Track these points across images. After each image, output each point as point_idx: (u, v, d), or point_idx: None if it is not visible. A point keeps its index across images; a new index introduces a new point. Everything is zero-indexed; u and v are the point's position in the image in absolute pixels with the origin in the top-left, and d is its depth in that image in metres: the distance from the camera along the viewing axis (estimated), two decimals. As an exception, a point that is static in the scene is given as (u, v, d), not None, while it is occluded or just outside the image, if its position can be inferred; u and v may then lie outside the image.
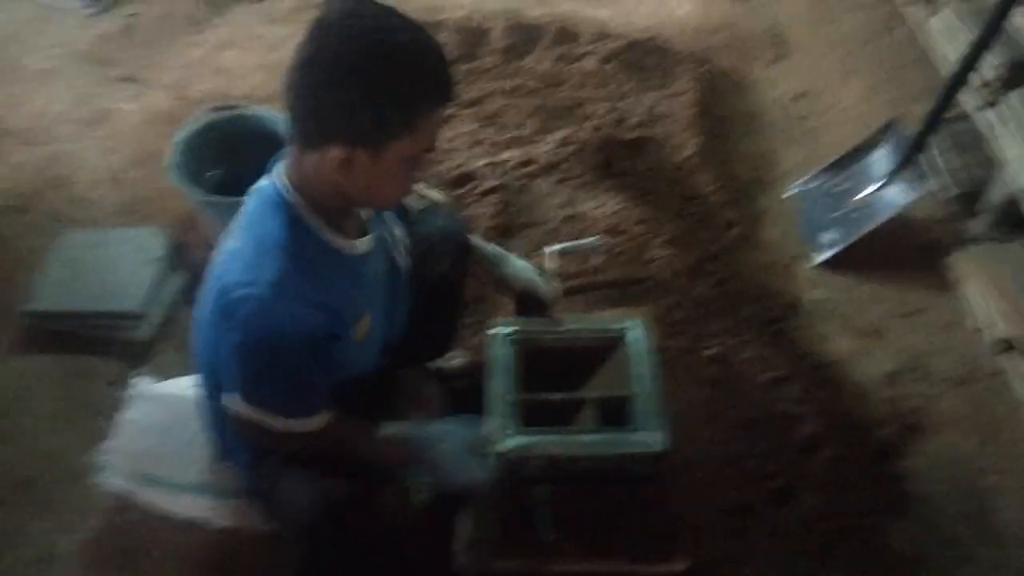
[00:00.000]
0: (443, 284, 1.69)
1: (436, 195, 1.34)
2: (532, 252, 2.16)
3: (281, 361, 1.21)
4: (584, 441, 1.46)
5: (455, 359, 1.92)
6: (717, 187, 2.43)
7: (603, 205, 2.27)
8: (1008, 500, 1.78)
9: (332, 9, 1.11)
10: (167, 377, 1.78)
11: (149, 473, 1.62)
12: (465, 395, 1.75)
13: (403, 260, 1.48)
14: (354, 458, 1.38)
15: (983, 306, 2.06)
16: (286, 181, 1.22)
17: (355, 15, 1.10)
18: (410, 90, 1.11)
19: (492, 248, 1.69)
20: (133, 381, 1.71)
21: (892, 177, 2.29)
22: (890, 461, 1.85)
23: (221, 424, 1.42)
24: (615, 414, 1.52)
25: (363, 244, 1.32)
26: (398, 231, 1.48)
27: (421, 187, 1.31)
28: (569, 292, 2.04)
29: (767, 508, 1.72)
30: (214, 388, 1.37)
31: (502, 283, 1.67)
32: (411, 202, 1.68)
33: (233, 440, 1.42)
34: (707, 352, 1.95)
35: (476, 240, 1.68)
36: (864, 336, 2.12)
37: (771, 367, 1.94)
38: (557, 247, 2.03)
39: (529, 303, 1.68)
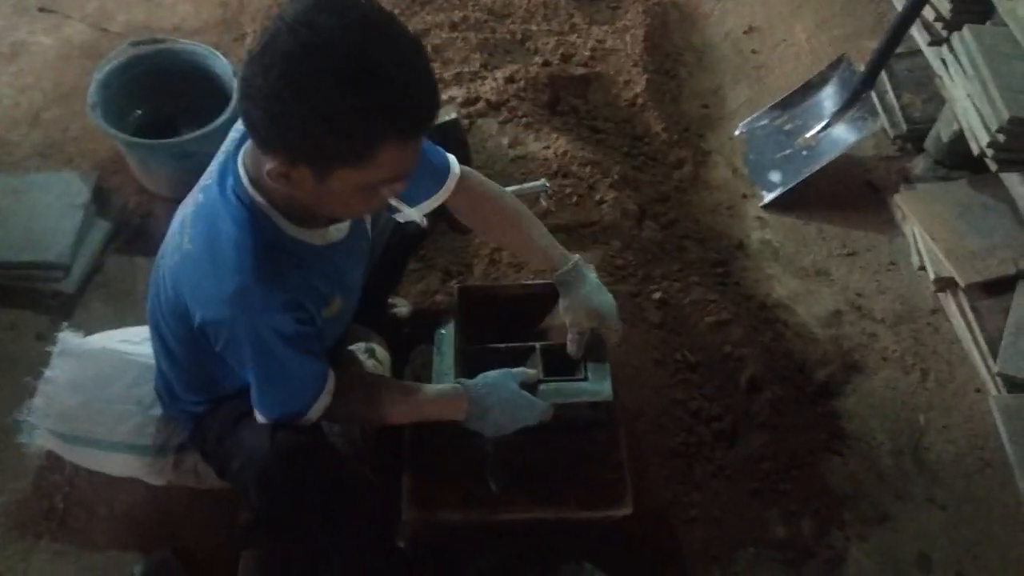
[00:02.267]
0: (409, 241, 1.67)
1: (414, 215, 1.21)
2: (477, 194, 2.10)
3: (274, 366, 1.16)
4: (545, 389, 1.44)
5: (402, 308, 1.88)
6: (666, 125, 2.39)
7: (551, 145, 2.21)
8: (941, 436, 1.83)
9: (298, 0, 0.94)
10: (96, 330, 1.70)
11: (79, 431, 1.55)
12: (412, 342, 1.73)
13: (370, 229, 1.41)
14: (401, 418, 1.36)
15: (926, 245, 2.08)
16: (244, 172, 1.12)
17: (322, 11, 0.92)
18: (361, 120, 0.94)
19: (559, 258, 1.46)
20: (60, 335, 1.63)
21: (840, 115, 2.27)
22: (831, 400, 1.88)
23: (176, 379, 1.36)
24: (560, 362, 1.50)
25: (335, 232, 1.22)
26: None
27: (395, 202, 1.17)
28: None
29: (712, 449, 1.74)
30: (174, 351, 1.31)
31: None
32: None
33: (189, 393, 1.36)
34: (654, 296, 1.93)
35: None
36: (808, 276, 2.13)
37: (716, 310, 1.93)
38: (504, 190, 1.99)
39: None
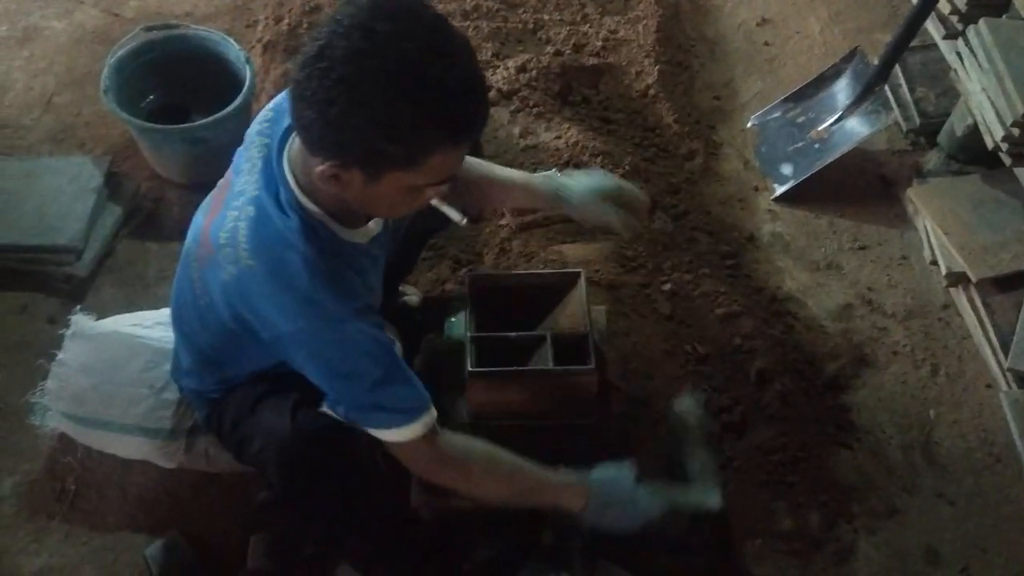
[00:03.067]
0: (426, 232, 1.68)
1: (454, 214, 1.20)
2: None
3: (370, 367, 1.12)
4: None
5: (412, 296, 1.88)
6: (678, 117, 2.38)
7: (562, 135, 2.21)
8: (950, 431, 1.83)
9: (352, 3, 0.95)
10: (107, 314, 1.71)
11: (91, 414, 1.56)
12: (422, 331, 1.74)
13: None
14: (510, 495, 1.28)
15: (938, 239, 2.07)
16: (292, 178, 1.11)
17: (377, 17, 0.93)
18: (417, 127, 0.95)
19: (540, 180, 1.45)
20: (72, 319, 1.64)
21: (853, 108, 2.26)
22: (840, 393, 1.88)
23: (196, 366, 1.37)
24: (571, 350, 1.50)
25: (374, 226, 1.22)
26: None
27: (436, 202, 1.16)
28: (527, 227, 2.01)
29: (721, 441, 1.74)
30: (203, 345, 1.31)
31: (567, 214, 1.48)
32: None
33: (205, 380, 1.37)
34: (664, 287, 1.93)
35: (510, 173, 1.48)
36: (819, 270, 2.12)
37: (726, 302, 1.93)
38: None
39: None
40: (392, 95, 0.93)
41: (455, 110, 0.96)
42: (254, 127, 1.22)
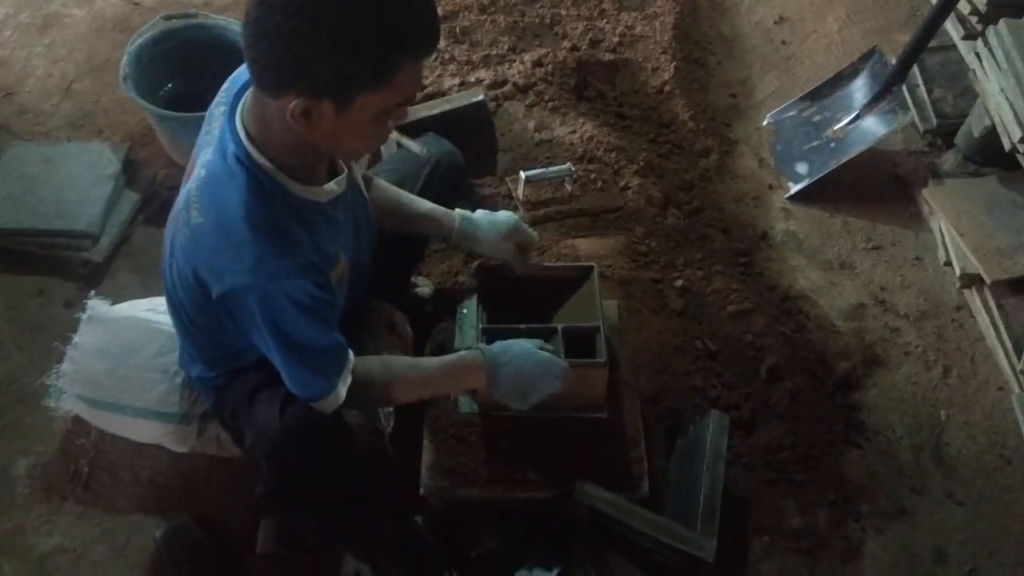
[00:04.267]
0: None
1: (413, 145, 1.23)
2: (504, 177, 2.11)
3: (295, 337, 1.15)
4: (645, 517, 1.44)
5: (424, 288, 1.89)
6: (693, 114, 2.37)
7: (577, 130, 2.21)
8: (961, 433, 1.82)
9: None
10: (122, 299, 1.73)
11: (105, 397, 1.58)
12: (434, 321, 1.75)
13: (363, 188, 1.43)
14: (414, 391, 1.35)
15: (952, 240, 2.06)
16: (244, 133, 1.12)
17: None
18: (384, 41, 0.99)
19: (449, 215, 1.55)
20: (88, 303, 1.65)
21: (870, 108, 2.25)
22: (851, 393, 1.87)
23: (196, 352, 1.38)
24: (582, 344, 1.50)
25: (335, 186, 1.24)
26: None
27: (396, 135, 1.19)
28: (541, 220, 2.01)
29: (730, 438, 1.72)
30: (191, 326, 1.32)
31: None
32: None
33: (208, 367, 1.38)
34: (676, 283, 1.93)
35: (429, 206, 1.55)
36: (832, 269, 2.12)
37: (738, 299, 1.93)
38: (529, 173, 1.99)
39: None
40: (357, 14, 0.96)
41: (416, 20, 1.01)
42: (212, 105, 1.23)
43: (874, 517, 1.68)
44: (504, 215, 1.56)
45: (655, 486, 1.55)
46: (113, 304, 1.69)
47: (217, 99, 1.23)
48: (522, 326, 1.54)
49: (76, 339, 1.62)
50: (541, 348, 1.39)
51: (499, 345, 1.37)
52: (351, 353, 1.24)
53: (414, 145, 1.25)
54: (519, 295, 1.63)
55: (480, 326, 1.52)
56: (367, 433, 1.52)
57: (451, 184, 1.70)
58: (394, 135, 1.18)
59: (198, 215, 1.13)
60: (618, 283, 1.86)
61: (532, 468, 1.50)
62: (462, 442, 1.51)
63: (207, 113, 1.25)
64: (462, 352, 1.38)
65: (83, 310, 1.65)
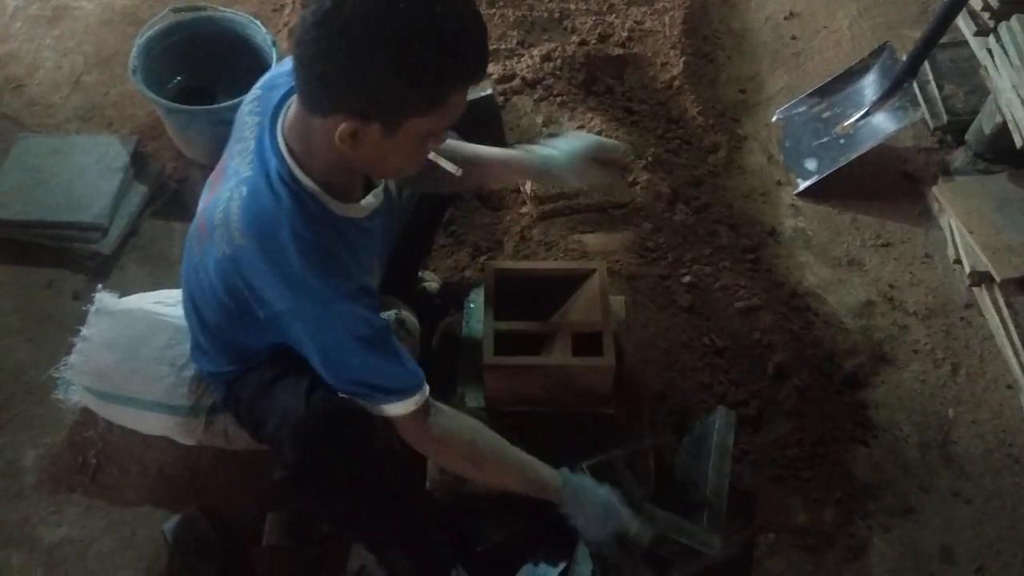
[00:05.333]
0: (435, 209, 1.69)
1: (449, 165, 1.22)
2: (510, 172, 2.10)
3: (360, 349, 1.14)
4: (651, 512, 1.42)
5: (431, 282, 1.89)
6: (702, 109, 2.36)
7: (585, 125, 2.20)
8: (969, 431, 1.81)
9: None
10: (131, 291, 1.73)
11: (113, 389, 1.59)
12: (441, 315, 1.75)
13: (395, 197, 1.43)
14: (499, 478, 1.32)
15: (962, 238, 2.05)
16: (287, 150, 1.12)
17: None
18: (440, 67, 0.98)
19: (522, 154, 1.46)
20: (97, 295, 1.66)
21: (880, 104, 2.23)
22: (858, 390, 1.87)
23: (210, 349, 1.38)
24: (589, 342, 1.50)
25: (372, 200, 1.24)
26: None
27: (432, 155, 1.19)
28: (549, 215, 2.01)
29: (737, 434, 1.72)
30: (210, 326, 1.32)
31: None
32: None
33: (221, 363, 1.38)
34: (684, 279, 1.93)
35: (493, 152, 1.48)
36: (841, 266, 2.11)
37: (746, 295, 1.92)
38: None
39: None
40: (418, 41, 0.96)
41: (468, 47, 1.01)
42: (243, 108, 1.23)
43: (881, 515, 1.67)
44: (577, 138, 1.45)
45: (661, 481, 1.55)
46: (121, 296, 1.69)
47: (249, 104, 1.22)
48: (530, 325, 1.54)
49: (84, 331, 1.63)
50: (629, 506, 1.34)
51: (576, 487, 1.33)
52: (426, 390, 1.21)
53: (449, 166, 1.24)
54: (527, 292, 1.63)
55: (487, 326, 1.50)
56: (377, 428, 1.54)
57: (437, 216, 1.71)
58: (432, 156, 1.18)
59: (241, 237, 1.10)
60: (626, 279, 1.86)
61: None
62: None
63: (237, 115, 1.24)
64: (547, 473, 1.33)
65: (91, 302, 1.66)
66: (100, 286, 1.70)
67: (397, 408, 1.19)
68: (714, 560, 1.37)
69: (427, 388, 1.22)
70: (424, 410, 1.22)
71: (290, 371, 1.27)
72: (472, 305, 1.68)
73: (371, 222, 1.25)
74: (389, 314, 1.63)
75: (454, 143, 1.45)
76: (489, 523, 1.52)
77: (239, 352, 1.35)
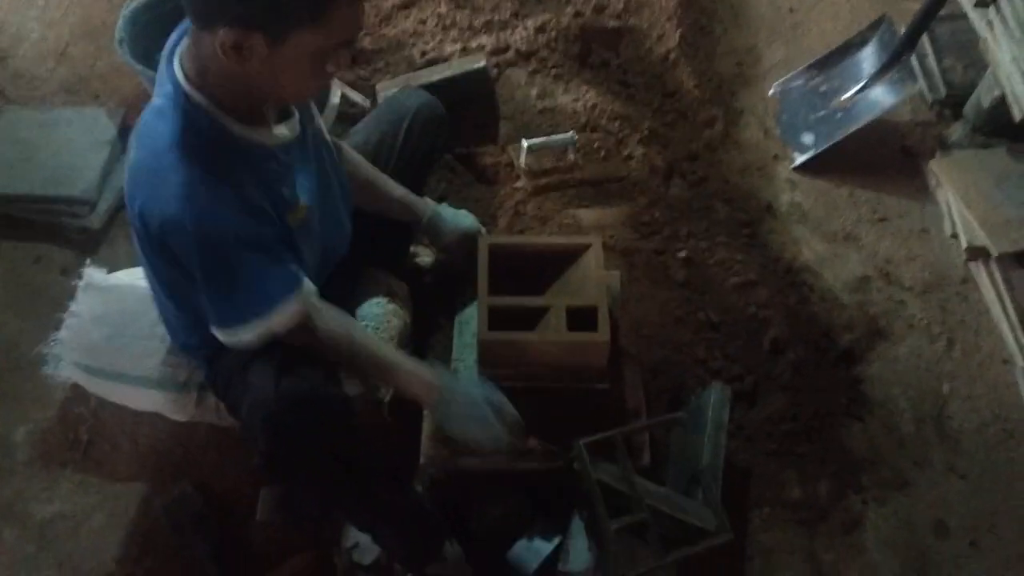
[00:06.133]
0: (426, 161, 1.69)
1: (356, 95, 1.23)
2: (505, 146, 2.08)
3: (226, 271, 1.14)
4: (646, 487, 1.42)
5: (424, 257, 1.87)
6: (698, 82, 2.34)
7: (580, 98, 2.18)
8: (964, 406, 1.81)
9: None
10: (120, 266, 1.71)
11: (103, 365, 1.57)
12: (435, 291, 1.74)
13: (330, 138, 1.42)
14: (369, 368, 1.33)
15: (959, 212, 2.03)
16: (181, 70, 1.11)
17: None
18: None
19: (421, 203, 1.60)
20: (85, 271, 1.63)
21: (878, 77, 2.21)
22: (854, 365, 1.86)
23: (175, 320, 1.36)
24: (584, 317, 1.49)
25: (285, 130, 1.22)
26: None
27: (342, 88, 1.19)
28: (543, 189, 1.99)
29: (732, 410, 1.72)
30: (161, 289, 1.31)
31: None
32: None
33: (189, 334, 1.37)
34: (679, 254, 1.91)
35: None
36: (837, 241, 2.09)
37: (742, 270, 1.91)
38: (531, 142, 1.97)
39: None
40: None
41: None
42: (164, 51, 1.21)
43: (875, 489, 1.68)
44: (470, 219, 1.66)
45: (656, 457, 1.54)
46: (110, 272, 1.67)
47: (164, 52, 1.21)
48: (525, 300, 1.52)
49: (73, 307, 1.61)
50: (500, 407, 1.36)
51: (460, 388, 1.34)
52: (309, 290, 1.22)
53: (357, 96, 1.25)
54: (521, 267, 1.61)
55: (482, 300, 1.49)
56: (366, 403, 1.53)
57: (432, 136, 1.68)
58: (338, 84, 1.18)
59: (134, 155, 1.14)
60: (620, 254, 1.84)
61: (534, 439, 1.49)
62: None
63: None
64: (422, 367, 1.34)
65: (80, 278, 1.64)
66: (88, 261, 1.67)
67: (284, 312, 1.18)
68: (710, 545, 1.36)
69: (310, 286, 1.22)
70: (307, 310, 1.21)
71: (263, 351, 1.23)
72: (465, 320, 1.64)
73: (287, 155, 1.23)
74: (378, 290, 1.62)
75: (366, 163, 1.53)
76: (485, 499, 1.52)
77: (200, 320, 1.30)
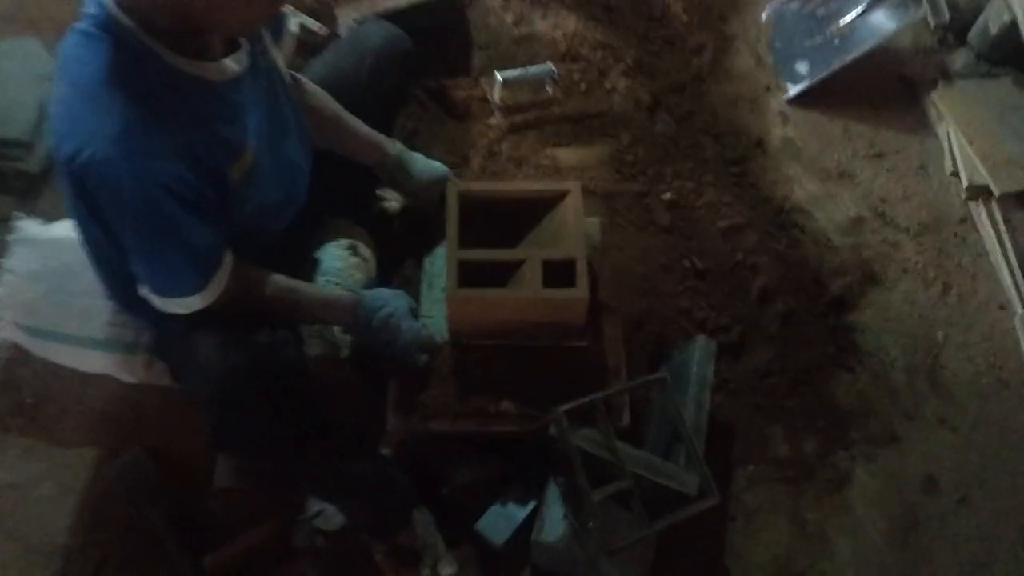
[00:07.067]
0: (392, 101, 1.57)
1: (313, 23, 1.10)
2: (479, 78, 1.93)
3: (153, 227, 1.01)
4: (625, 452, 1.35)
5: (392, 202, 1.74)
6: (687, 6, 2.18)
7: (560, 25, 2.02)
8: (957, 355, 1.74)
9: None
10: (63, 215, 1.57)
11: (44, 325, 1.45)
12: (401, 241, 1.62)
13: (285, 72, 1.28)
14: (287, 315, 1.25)
15: (960, 148, 1.92)
16: None
17: None
18: None
19: (389, 143, 1.47)
20: (17, 223, 1.50)
21: (878, 1, 2.05)
22: (845, 313, 1.78)
23: (110, 279, 1.25)
24: (561, 271, 1.38)
25: (232, 64, 1.08)
26: (268, 37, 1.25)
27: (299, 15, 1.07)
28: (519, 127, 1.85)
29: (717, 362, 1.64)
30: (91, 248, 1.19)
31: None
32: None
33: (125, 294, 1.25)
34: (664, 196, 1.80)
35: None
36: (831, 178, 1.98)
37: (730, 213, 1.80)
38: (506, 75, 1.82)
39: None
40: None
41: None
42: None
43: (864, 444, 1.61)
44: (439, 164, 1.51)
45: (636, 416, 1.46)
46: (49, 222, 1.54)
47: None
48: (498, 254, 1.41)
49: (7, 262, 1.48)
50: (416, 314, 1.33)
51: (376, 298, 1.29)
52: (229, 257, 1.12)
53: (314, 24, 1.12)
54: (495, 215, 1.49)
55: (453, 254, 1.38)
56: (327, 364, 1.43)
57: (397, 75, 1.53)
58: (294, 11, 1.04)
59: (57, 88, 0.99)
60: (601, 197, 1.73)
61: (507, 401, 1.40)
62: (432, 375, 1.41)
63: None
64: (340, 292, 1.31)
65: (13, 231, 1.51)
66: (21, 214, 1.54)
67: (217, 282, 1.10)
68: (696, 510, 1.29)
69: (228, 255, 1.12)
70: (233, 277, 1.13)
71: (209, 316, 1.13)
72: (434, 267, 1.52)
73: (236, 92, 1.10)
74: (339, 242, 1.50)
75: (332, 100, 1.39)
76: (456, 464, 1.44)
77: (128, 285, 1.18)
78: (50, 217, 1.56)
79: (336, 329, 1.45)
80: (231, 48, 1.10)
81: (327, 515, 1.43)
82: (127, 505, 1.45)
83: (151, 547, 1.43)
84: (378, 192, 1.70)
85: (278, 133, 1.23)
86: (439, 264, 1.53)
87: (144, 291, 1.11)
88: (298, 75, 1.38)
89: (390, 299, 1.30)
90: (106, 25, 0.97)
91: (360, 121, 1.43)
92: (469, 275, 1.37)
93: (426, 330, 1.34)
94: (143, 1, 0.96)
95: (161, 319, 1.16)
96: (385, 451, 1.47)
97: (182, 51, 1.02)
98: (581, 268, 1.36)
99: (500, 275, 1.42)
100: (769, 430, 1.60)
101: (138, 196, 0.99)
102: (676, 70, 2.07)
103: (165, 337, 1.24)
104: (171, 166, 0.99)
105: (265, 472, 1.45)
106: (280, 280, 1.23)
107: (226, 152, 1.09)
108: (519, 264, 1.41)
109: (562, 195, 1.47)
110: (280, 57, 1.28)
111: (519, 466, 1.44)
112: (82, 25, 1.00)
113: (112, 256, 1.17)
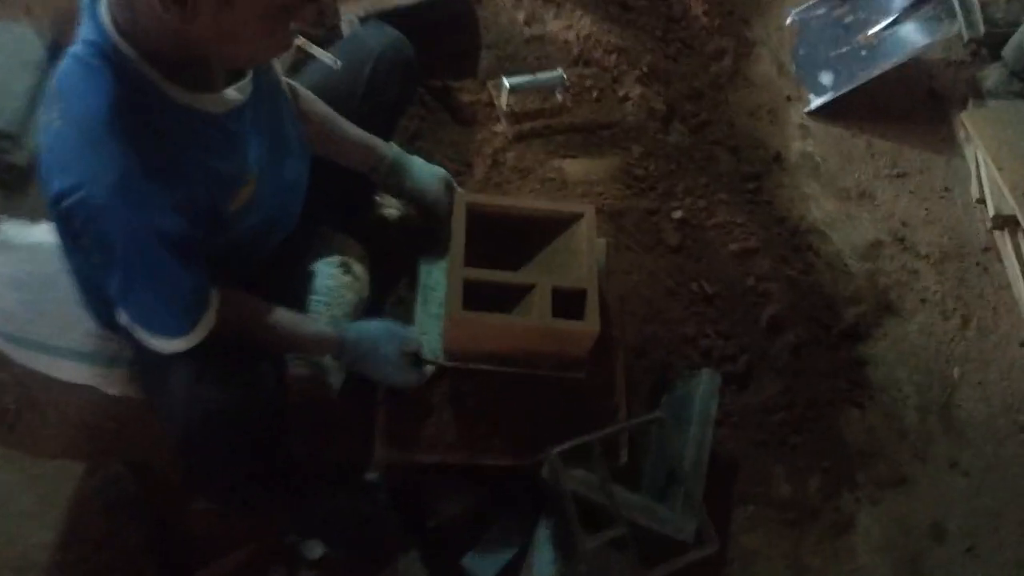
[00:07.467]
0: (392, 111, 1.50)
1: (326, 56, 1.05)
2: (486, 82, 1.85)
3: (140, 273, 0.96)
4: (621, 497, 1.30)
5: (391, 209, 1.67)
6: (708, 7, 2.08)
7: (574, 25, 1.93)
8: (974, 393, 1.67)
9: None
10: (45, 216, 1.51)
11: (22, 333, 1.40)
12: (398, 254, 1.55)
13: (285, 85, 1.21)
14: (272, 348, 1.21)
15: (988, 174, 1.83)
16: (110, 21, 0.90)
17: None
18: None
19: (384, 144, 1.40)
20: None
21: (911, 11, 1.96)
22: (858, 344, 1.71)
23: (97, 304, 1.19)
24: (568, 301, 1.31)
25: (234, 94, 1.02)
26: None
27: (303, 42, 1.01)
28: (526, 135, 1.77)
29: (721, 394, 1.57)
30: (76, 276, 1.14)
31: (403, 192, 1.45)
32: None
33: (105, 315, 1.20)
34: (674, 214, 1.72)
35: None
36: (851, 198, 1.90)
37: (742, 235, 1.73)
38: (514, 80, 1.74)
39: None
40: None
41: None
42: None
43: (870, 486, 1.55)
44: (440, 169, 1.47)
45: (634, 449, 1.40)
46: (33, 224, 1.48)
47: None
48: (507, 276, 1.34)
49: (-14, 267, 1.43)
50: (405, 343, 1.26)
51: (361, 339, 1.23)
52: (215, 295, 1.06)
53: (327, 57, 1.06)
54: (501, 229, 1.42)
55: (457, 273, 1.31)
56: (312, 387, 1.38)
57: (398, 83, 1.46)
58: (301, 42, 0.98)
59: (60, 117, 0.93)
60: (609, 216, 1.65)
61: (500, 432, 1.35)
62: (422, 403, 1.35)
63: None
64: (325, 329, 1.24)
65: (-5, 231, 1.45)
66: (4, 216, 1.48)
67: (204, 324, 1.04)
68: (694, 558, 1.24)
69: (213, 297, 1.07)
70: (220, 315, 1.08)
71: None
72: (431, 283, 1.46)
73: (236, 122, 1.03)
74: (331, 259, 1.43)
75: (322, 104, 1.31)
76: (444, 495, 1.39)
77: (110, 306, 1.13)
78: (35, 214, 1.50)
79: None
80: (234, 76, 1.04)
81: (310, 542, 1.39)
82: (105, 523, 1.41)
83: (130, 566, 1.39)
84: (377, 198, 1.63)
85: (279, 153, 1.17)
86: (436, 277, 1.46)
87: (125, 320, 1.05)
88: (293, 83, 1.31)
89: (376, 336, 1.24)
90: (106, 54, 0.91)
91: (352, 124, 1.36)
92: (472, 295, 1.30)
93: (415, 344, 1.28)
94: (147, 29, 0.90)
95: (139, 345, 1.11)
96: (373, 475, 1.42)
97: (184, 82, 0.96)
98: (592, 300, 1.30)
99: (503, 298, 1.35)
100: (772, 468, 1.54)
101: (128, 246, 0.94)
102: (693, 75, 1.99)
103: (140, 362, 1.18)
104: (167, 219, 0.94)
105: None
106: (264, 314, 1.17)
107: (227, 189, 1.04)
108: (526, 288, 1.34)
109: (575, 217, 1.39)
110: (279, 67, 1.21)
111: (510, 500, 1.39)
112: (80, 52, 0.93)
113: (93, 280, 1.11)
